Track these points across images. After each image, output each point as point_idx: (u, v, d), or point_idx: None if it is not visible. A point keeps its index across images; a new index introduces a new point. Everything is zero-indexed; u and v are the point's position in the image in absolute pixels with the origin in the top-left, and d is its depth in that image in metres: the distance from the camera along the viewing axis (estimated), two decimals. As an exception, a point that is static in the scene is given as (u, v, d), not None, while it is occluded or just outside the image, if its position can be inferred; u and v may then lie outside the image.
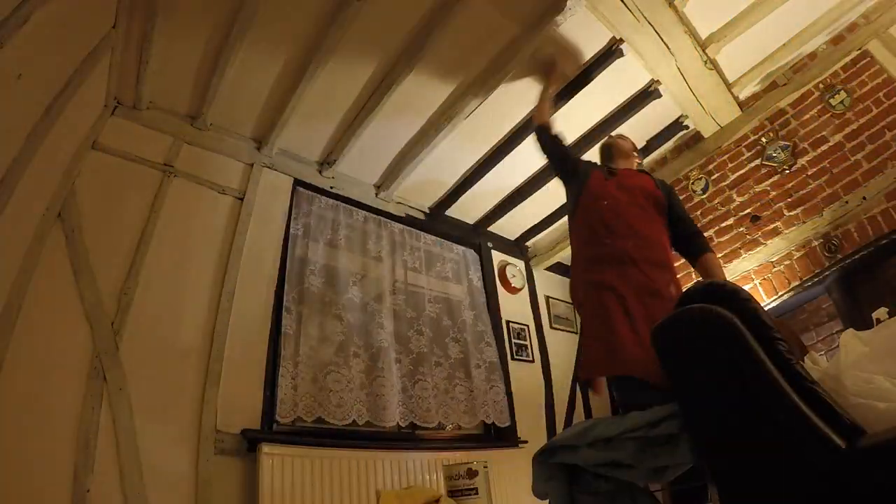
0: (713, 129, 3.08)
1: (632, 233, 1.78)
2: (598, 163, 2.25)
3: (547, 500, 1.36)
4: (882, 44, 2.53)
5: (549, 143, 2.30)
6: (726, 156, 3.05)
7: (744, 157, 2.97)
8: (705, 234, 3.02)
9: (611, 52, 2.45)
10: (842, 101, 2.61)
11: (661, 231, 1.86)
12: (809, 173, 2.66)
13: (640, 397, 1.43)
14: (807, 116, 2.74)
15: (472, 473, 1.35)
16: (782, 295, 2.62)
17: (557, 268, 4.32)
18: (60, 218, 1.99)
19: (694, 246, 1.89)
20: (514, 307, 3.71)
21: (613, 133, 2.43)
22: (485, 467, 1.36)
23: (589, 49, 2.47)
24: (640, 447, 1.24)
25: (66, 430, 1.72)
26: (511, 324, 3.58)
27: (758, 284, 2.73)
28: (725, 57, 2.67)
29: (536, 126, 2.38)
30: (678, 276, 1.83)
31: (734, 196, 2.96)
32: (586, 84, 2.60)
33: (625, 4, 2.23)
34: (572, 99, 2.68)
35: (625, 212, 1.84)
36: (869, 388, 1.15)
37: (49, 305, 1.85)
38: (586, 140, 3.05)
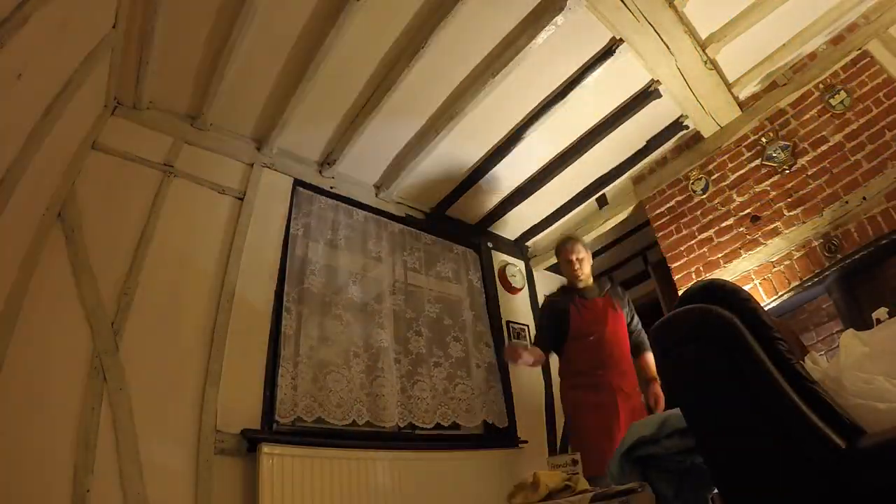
0: (713, 129, 3.08)
1: (614, 363, 2.33)
2: (564, 289, 2.65)
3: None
4: (882, 44, 2.52)
5: (555, 342, 2.54)
6: (726, 156, 3.05)
7: (744, 157, 2.96)
8: (705, 234, 3.04)
9: (610, 52, 2.45)
10: (842, 101, 2.60)
11: (627, 344, 2.43)
12: (809, 173, 2.65)
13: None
14: (807, 116, 2.73)
15: (575, 462, 1.52)
16: (782, 295, 2.61)
17: (557, 268, 4.31)
18: (60, 218, 2.00)
19: (638, 347, 2.49)
20: (514, 307, 3.71)
21: (564, 240, 2.67)
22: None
23: (589, 49, 2.47)
24: None
25: (66, 430, 1.72)
26: (511, 324, 3.58)
27: (758, 284, 2.72)
28: (725, 57, 2.66)
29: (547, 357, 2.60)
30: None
31: (734, 196, 2.95)
32: (586, 84, 2.61)
33: (625, 4, 2.23)
34: (573, 100, 2.68)
35: (604, 344, 2.36)
36: (869, 389, 1.15)
37: (49, 305, 1.85)
38: (586, 140, 3.05)
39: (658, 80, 2.69)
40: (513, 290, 3.77)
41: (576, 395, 2.39)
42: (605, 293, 2.55)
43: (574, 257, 2.57)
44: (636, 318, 2.57)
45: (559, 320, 2.49)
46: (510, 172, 3.28)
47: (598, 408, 2.26)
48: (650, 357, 2.45)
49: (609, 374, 2.32)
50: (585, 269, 2.57)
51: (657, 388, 2.35)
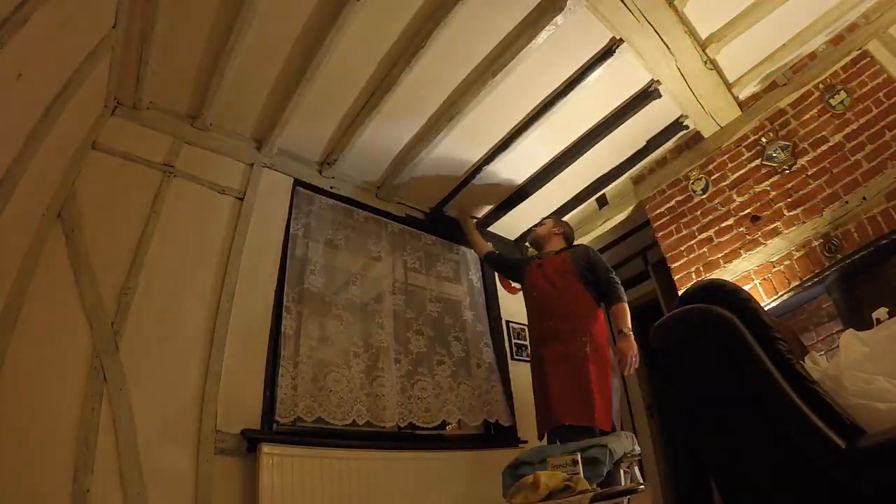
0: (713, 129, 3.09)
1: (550, 316, 2.44)
2: (532, 252, 3.14)
3: None
4: (882, 44, 2.53)
5: (497, 265, 3.19)
6: (726, 156, 3.05)
7: (744, 157, 2.96)
8: (705, 234, 3.04)
9: (610, 52, 2.45)
10: (842, 101, 2.60)
11: (576, 295, 2.44)
12: (809, 173, 2.65)
13: (569, 437, 2.06)
14: (807, 116, 2.73)
15: (575, 462, 1.65)
16: (782, 295, 2.61)
17: (557, 268, 4.31)
18: (60, 218, 1.99)
19: (606, 298, 2.46)
20: (514, 307, 3.71)
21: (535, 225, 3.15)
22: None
23: (589, 49, 2.48)
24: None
25: (66, 430, 1.72)
26: (511, 324, 3.58)
27: (758, 284, 2.72)
28: (725, 57, 2.67)
29: (480, 256, 3.29)
30: (594, 324, 2.38)
31: (734, 196, 2.95)
32: (586, 84, 2.61)
33: (625, 4, 2.23)
34: (573, 100, 2.68)
35: (545, 299, 2.51)
36: (869, 389, 1.15)
37: (49, 305, 1.85)
38: (586, 140, 3.05)
39: (658, 80, 2.69)
40: (513, 290, 3.77)
41: (530, 352, 2.60)
42: (561, 251, 2.68)
43: (531, 231, 3.05)
44: (600, 267, 2.51)
45: (517, 268, 2.89)
46: (510, 172, 3.28)
47: (537, 363, 2.44)
48: (619, 308, 2.37)
49: (548, 328, 2.41)
50: (539, 230, 2.89)
51: (624, 343, 2.25)
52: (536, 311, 2.55)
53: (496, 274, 3.73)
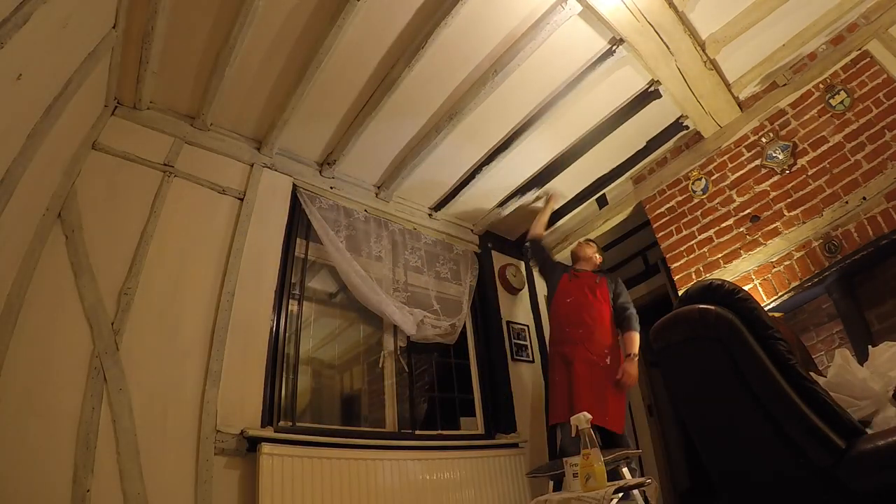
0: (713, 129, 3.08)
1: (582, 323, 2.76)
2: (569, 264, 3.30)
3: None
4: (882, 44, 2.52)
5: (539, 254, 3.38)
6: (726, 156, 3.05)
7: (744, 158, 2.96)
8: (705, 235, 3.03)
9: (611, 52, 2.45)
10: (842, 102, 2.60)
11: (603, 314, 2.80)
12: (809, 173, 2.65)
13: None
14: (807, 116, 2.73)
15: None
16: (782, 295, 2.61)
17: (557, 268, 4.31)
18: (60, 218, 2.00)
19: (622, 324, 2.82)
20: (514, 307, 3.72)
21: (582, 239, 3.39)
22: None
23: (589, 49, 2.48)
24: None
25: (66, 430, 1.72)
26: (511, 324, 3.58)
27: (758, 285, 2.72)
28: (725, 57, 2.67)
29: (531, 237, 3.41)
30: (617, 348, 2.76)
31: (734, 196, 2.95)
32: (586, 84, 2.61)
33: (625, 4, 2.23)
34: (573, 100, 2.68)
35: (579, 308, 2.82)
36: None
37: (49, 305, 1.85)
38: (587, 140, 3.05)
39: (658, 81, 2.69)
40: (513, 290, 3.77)
41: (551, 350, 2.89)
42: (595, 272, 3.03)
43: (578, 244, 3.26)
44: (623, 298, 2.91)
45: (553, 268, 3.22)
46: (511, 172, 3.28)
47: (562, 360, 2.70)
48: (632, 335, 2.73)
49: (577, 333, 2.71)
50: (586, 250, 3.14)
51: (629, 365, 2.61)
52: (566, 315, 2.83)
53: (496, 273, 3.73)
